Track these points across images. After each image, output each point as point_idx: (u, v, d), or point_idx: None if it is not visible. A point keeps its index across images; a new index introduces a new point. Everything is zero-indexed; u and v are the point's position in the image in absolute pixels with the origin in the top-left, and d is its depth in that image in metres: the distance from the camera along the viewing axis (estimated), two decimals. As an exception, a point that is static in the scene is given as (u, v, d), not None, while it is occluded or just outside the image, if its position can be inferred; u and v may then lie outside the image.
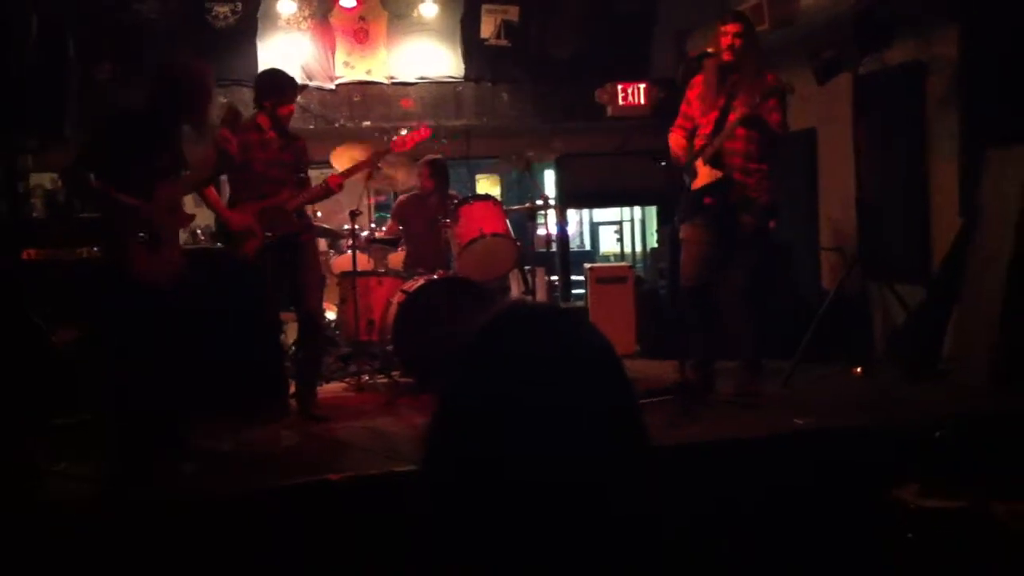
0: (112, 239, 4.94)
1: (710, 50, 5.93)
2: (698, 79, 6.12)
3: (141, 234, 4.86)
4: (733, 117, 5.84)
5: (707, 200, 5.91)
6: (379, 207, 9.38)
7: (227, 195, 6.15)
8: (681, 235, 6.11)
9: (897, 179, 7.32)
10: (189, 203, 5.76)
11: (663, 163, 6.20)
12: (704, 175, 5.92)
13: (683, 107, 6.18)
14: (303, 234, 6.18)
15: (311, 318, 6.12)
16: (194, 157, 5.41)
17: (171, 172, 5.10)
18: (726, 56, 5.91)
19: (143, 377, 4.80)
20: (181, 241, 6.72)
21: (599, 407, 1.15)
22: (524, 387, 1.13)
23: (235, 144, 5.36)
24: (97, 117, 5.23)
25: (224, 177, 6.13)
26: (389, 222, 8.19)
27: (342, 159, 7.26)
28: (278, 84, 6.12)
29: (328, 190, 6.24)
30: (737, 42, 5.89)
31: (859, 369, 6.49)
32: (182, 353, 4.94)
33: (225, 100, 6.14)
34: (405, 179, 7.95)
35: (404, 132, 6.97)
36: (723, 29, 5.97)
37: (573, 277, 9.70)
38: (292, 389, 6.26)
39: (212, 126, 5.41)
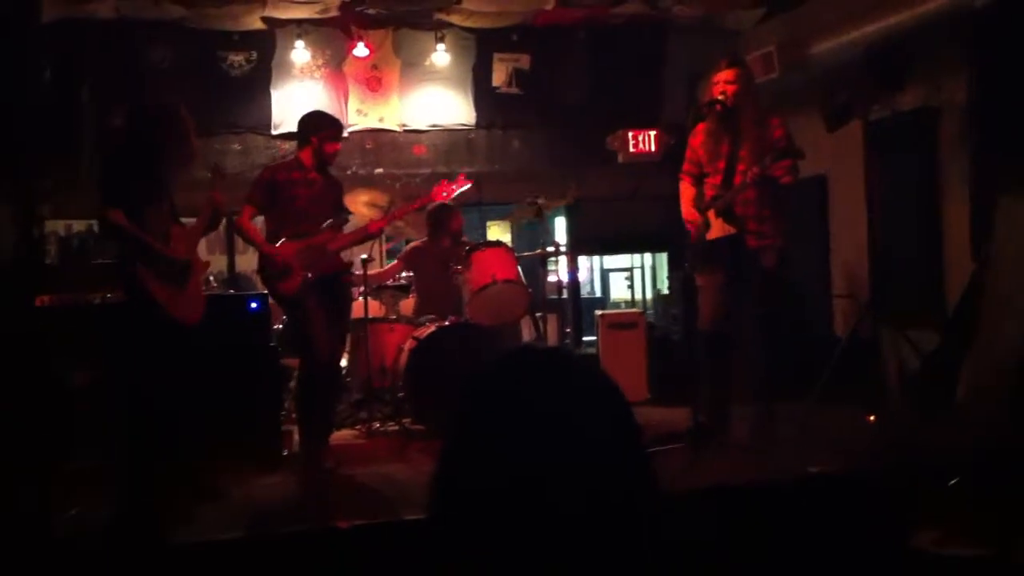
0: (131, 275, 4.99)
1: (719, 97, 5.94)
2: (701, 127, 6.13)
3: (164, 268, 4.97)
4: (741, 167, 5.85)
5: (721, 252, 5.92)
6: (390, 254, 9.41)
7: (263, 231, 6.16)
8: (698, 282, 6.10)
9: (910, 225, 7.31)
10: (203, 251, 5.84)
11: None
12: (717, 228, 5.93)
13: (688, 154, 6.20)
14: (343, 276, 6.20)
15: (331, 367, 6.09)
16: (198, 205, 5.52)
17: (168, 209, 5.21)
18: (720, 105, 5.92)
19: (158, 419, 4.83)
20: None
21: (606, 451, 1.14)
22: (531, 429, 1.12)
23: (224, 199, 5.48)
24: (106, 154, 5.36)
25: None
26: (394, 262, 8.19)
27: (355, 203, 7.29)
28: (327, 120, 6.26)
29: (368, 235, 6.32)
30: (730, 89, 5.90)
31: (872, 417, 6.44)
32: (193, 396, 4.97)
33: (214, 163, 6.22)
34: (416, 227, 7.98)
35: (446, 183, 6.87)
36: (715, 78, 5.99)
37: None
38: (295, 436, 6.23)
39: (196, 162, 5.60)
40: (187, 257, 5.24)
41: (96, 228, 6.03)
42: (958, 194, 6.91)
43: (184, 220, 5.43)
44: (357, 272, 7.04)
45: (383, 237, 7.78)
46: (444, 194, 6.76)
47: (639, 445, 1.19)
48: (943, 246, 7.12)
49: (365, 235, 6.34)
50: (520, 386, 1.18)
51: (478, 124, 9.87)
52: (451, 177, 7.00)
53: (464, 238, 8.06)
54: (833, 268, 8.43)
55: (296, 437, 6.19)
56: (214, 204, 5.47)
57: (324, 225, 6.03)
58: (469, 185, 6.88)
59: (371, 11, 9.09)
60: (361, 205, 7.37)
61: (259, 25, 9.13)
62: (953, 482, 4.04)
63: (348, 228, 6.47)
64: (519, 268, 7.31)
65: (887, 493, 4.59)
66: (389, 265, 8.32)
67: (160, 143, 5.17)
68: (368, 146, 9.66)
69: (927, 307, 7.11)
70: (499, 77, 9.83)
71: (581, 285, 10.96)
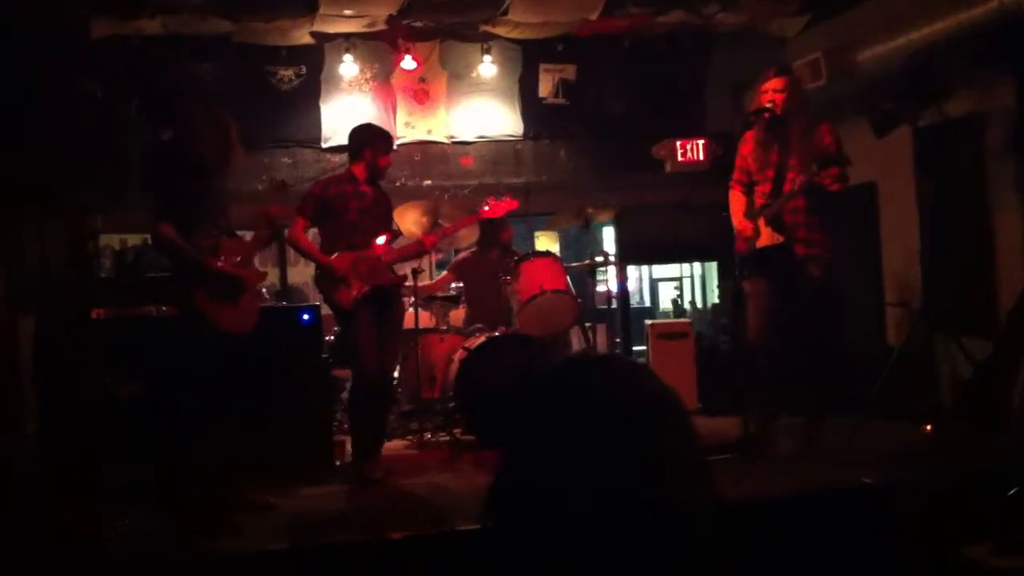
0: (182, 289, 5.05)
1: (768, 105, 5.92)
2: (749, 135, 6.12)
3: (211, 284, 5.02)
4: (791, 175, 5.83)
5: (770, 260, 5.89)
6: (439, 264, 9.45)
7: (317, 244, 6.22)
8: (746, 290, 6.08)
9: (960, 232, 7.22)
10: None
11: (724, 213, 6.20)
12: (766, 236, 5.91)
13: (738, 162, 6.19)
14: (396, 288, 6.24)
15: (384, 378, 6.13)
16: (250, 217, 5.58)
17: (223, 222, 5.25)
18: (769, 114, 5.90)
19: (208, 431, 4.88)
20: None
21: (664, 458, 1.14)
22: (588, 436, 1.13)
23: (279, 213, 5.53)
24: (156, 169, 5.43)
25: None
26: (444, 274, 8.24)
27: (403, 218, 7.36)
28: (379, 134, 6.32)
29: (422, 249, 6.38)
30: (778, 98, 5.89)
31: (928, 427, 6.33)
32: (245, 408, 5.02)
33: (279, 177, 6.27)
34: (465, 236, 8.01)
35: (493, 200, 6.97)
36: (763, 87, 5.98)
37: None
38: (347, 447, 6.27)
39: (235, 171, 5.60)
40: (242, 269, 5.26)
41: (150, 241, 6.11)
42: (1008, 200, 6.84)
43: (240, 233, 5.48)
44: (408, 284, 7.10)
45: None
46: (489, 210, 6.83)
47: (698, 453, 1.19)
48: (995, 252, 7.04)
49: (419, 249, 6.41)
50: (579, 393, 1.18)
51: (525, 135, 9.88)
52: (498, 190, 7.03)
53: (513, 248, 8.09)
54: (885, 276, 8.34)
55: (348, 448, 6.24)
56: (270, 217, 5.50)
57: (380, 238, 6.08)
58: (515, 207, 6.95)
59: (418, 24, 9.13)
60: (408, 219, 7.43)
61: (307, 40, 9.20)
62: (1012, 492, 3.98)
63: (400, 242, 6.52)
64: (568, 278, 7.31)
65: (941, 503, 4.54)
66: (439, 276, 8.36)
67: (207, 153, 5.20)
68: (417, 158, 9.70)
69: (981, 314, 7.02)
70: (545, 87, 9.83)
71: (630, 295, 10.94)
